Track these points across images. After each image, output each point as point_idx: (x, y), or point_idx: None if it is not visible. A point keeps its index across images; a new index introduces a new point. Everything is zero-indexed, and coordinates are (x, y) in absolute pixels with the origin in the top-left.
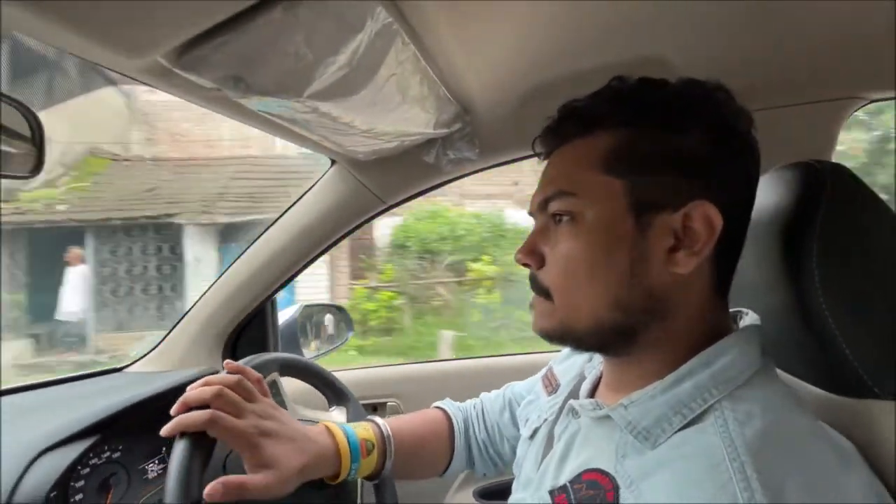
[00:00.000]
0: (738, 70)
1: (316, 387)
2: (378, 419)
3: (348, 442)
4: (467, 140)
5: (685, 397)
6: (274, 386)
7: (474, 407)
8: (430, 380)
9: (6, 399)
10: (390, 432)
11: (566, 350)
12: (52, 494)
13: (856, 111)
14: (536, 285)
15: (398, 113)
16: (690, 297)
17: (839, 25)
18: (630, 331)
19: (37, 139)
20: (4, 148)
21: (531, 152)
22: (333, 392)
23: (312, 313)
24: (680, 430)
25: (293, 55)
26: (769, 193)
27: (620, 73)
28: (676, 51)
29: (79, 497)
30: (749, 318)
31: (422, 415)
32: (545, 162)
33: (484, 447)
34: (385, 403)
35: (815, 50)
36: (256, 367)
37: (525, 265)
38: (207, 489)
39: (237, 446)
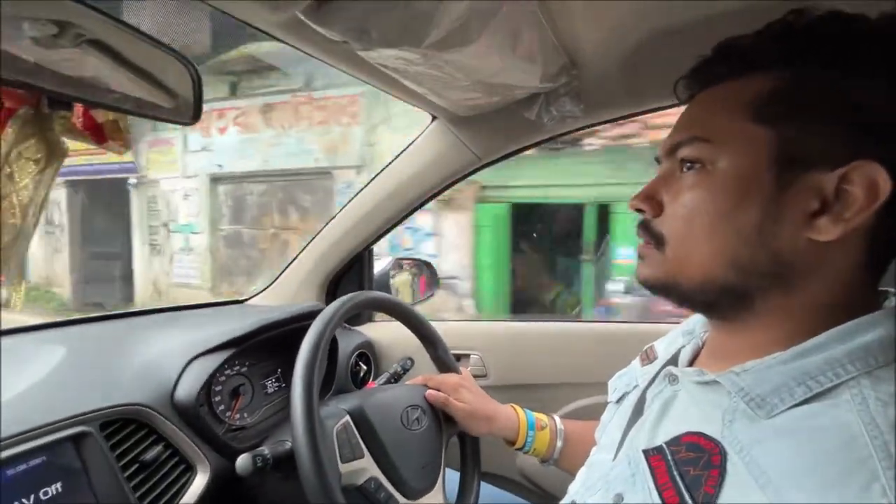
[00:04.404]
0: None
1: (408, 325)
2: (554, 415)
3: (526, 416)
4: (572, 95)
5: (812, 369)
6: None
7: None
8: (514, 338)
9: (158, 315)
10: (561, 424)
11: (672, 331)
12: (200, 392)
13: None
14: (649, 232)
15: (506, 64)
16: (828, 268)
17: None
18: (744, 294)
19: (196, 90)
20: (167, 97)
21: (640, 108)
22: (422, 333)
23: (403, 266)
24: (802, 403)
25: (416, 2)
26: None
27: (762, 14)
28: None
29: (217, 399)
30: None
31: (590, 423)
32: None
33: None
34: (468, 355)
35: None
36: (360, 304)
37: (639, 211)
38: (429, 392)
39: (448, 391)
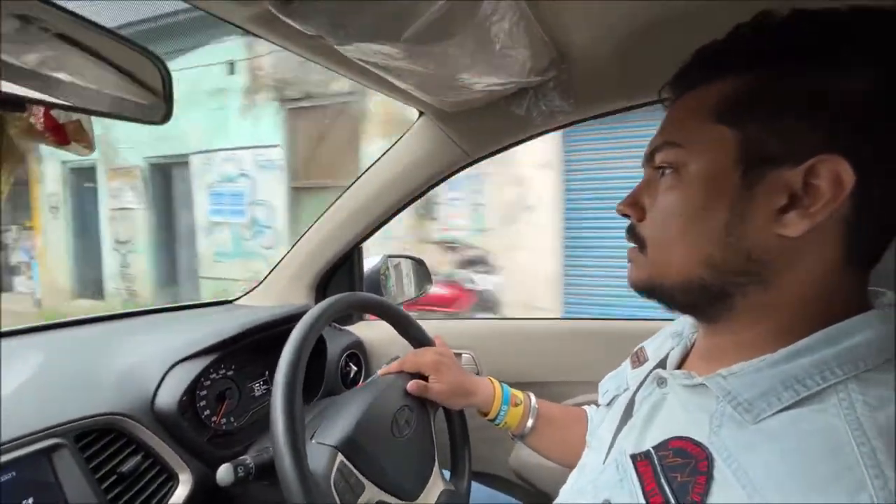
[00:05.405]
0: None
1: (395, 326)
2: (531, 394)
3: (502, 390)
4: (561, 90)
5: (800, 373)
6: None
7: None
8: (507, 336)
9: (141, 318)
10: (536, 403)
11: (660, 332)
12: (183, 398)
13: None
14: (634, 236)
15: (492, 59)
16: (803, 264)
17: None
18: (722, 293)
19: (167, 88)
20: (137, 96)
21: (630, 102)
22: (410, 334)
23: (394, 263)
24: (789, 407)
25: None
26: None
27: (752, 5)
28: None
29: (202, 404)
30: (889, 297)
31: (567, 407)
32: None
33: None
34: (461, 354)
35: None
36: (349, 306)
37: (625, 216)
38: (409, 384)
39: (426, 370)
